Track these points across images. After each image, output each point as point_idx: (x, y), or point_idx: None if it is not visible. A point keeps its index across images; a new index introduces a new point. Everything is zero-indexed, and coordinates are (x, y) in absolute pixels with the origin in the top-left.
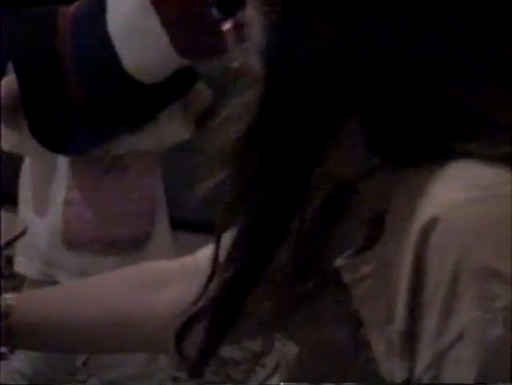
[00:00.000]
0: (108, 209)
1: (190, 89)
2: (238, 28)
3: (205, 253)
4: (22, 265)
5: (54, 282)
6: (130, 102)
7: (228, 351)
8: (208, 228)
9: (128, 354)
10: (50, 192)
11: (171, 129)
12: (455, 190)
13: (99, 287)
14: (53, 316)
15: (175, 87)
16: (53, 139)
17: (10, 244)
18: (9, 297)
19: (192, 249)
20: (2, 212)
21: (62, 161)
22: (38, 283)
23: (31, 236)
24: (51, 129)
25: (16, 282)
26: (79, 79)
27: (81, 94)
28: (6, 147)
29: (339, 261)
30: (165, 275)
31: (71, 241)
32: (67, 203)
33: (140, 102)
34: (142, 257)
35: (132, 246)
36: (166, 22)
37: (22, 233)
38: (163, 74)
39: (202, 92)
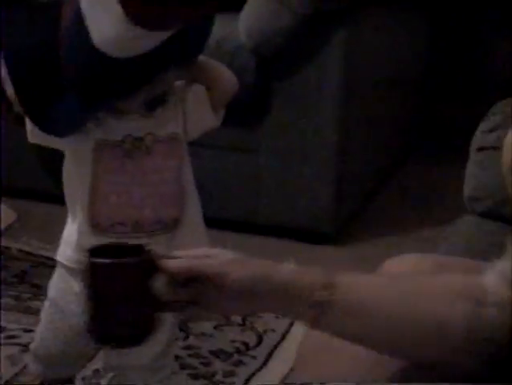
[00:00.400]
0: (132, 193)
1: (187, 63)
2: None
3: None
4: (61, 253)
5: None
6: (108, 77)
7: (218, 343)
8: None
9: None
10: (77, 180)
11: (196, 114)
12: None
13: (415, 288)
14: (369, 304)
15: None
16: (46, 119)
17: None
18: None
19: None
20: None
21: (86, 148)
22: (70, 271)
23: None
24: (45, 111)
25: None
26: (65, 57)
27: (67, 71)
28: (32, 139)
29: None
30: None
31: (98, 225)
32: (93, 188)
33: (119, 76)
34: (170, 242)
35: (158, 230)
36: None
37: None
38: (132, 49)
39: (230, 80)
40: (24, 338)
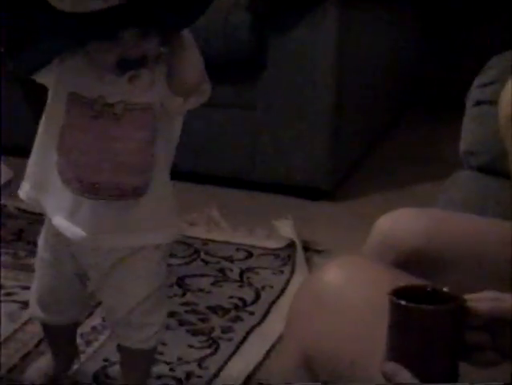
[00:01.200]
0: (93, 154)
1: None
2: None
3: None
4: (21, 188)
5: None
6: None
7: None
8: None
9: None
10: (50, 128)
11: (164, 92)
12: None
13: None
14: None
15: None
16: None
17: None
18: None
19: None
20: None
21: (61, 100)
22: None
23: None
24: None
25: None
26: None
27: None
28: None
29: None
30: None
31: (68, 183)
32: (60, 139)
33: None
34: (129, 210)
35: (114, 196)
36: None
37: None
38: (79, 4)
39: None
40: (22, 296)
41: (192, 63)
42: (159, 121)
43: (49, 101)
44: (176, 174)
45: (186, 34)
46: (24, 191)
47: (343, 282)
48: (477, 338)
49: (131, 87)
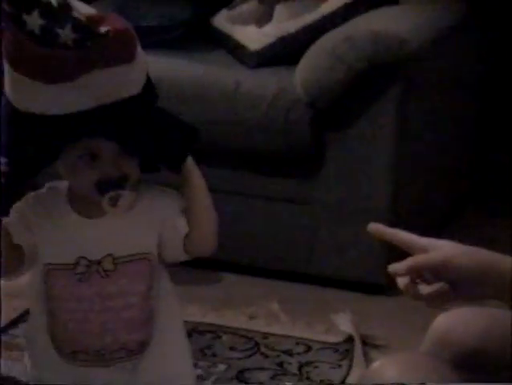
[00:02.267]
0: (92, 320)
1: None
2: None
3: None
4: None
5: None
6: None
7: None
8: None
9: None
10: (37, 304)
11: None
12: None
13: None
14: None
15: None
16: None
17: None
18: None
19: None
20: None
21: (38, 274)
22: None
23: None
24: None
25: None
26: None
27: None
28: None
29: None
30: None
31: (60, 351)
32: (51, 314)
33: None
34: (137, 367)
35: (122, 358)
36: None
37: None
38: (38, 104)
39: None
40: None
41: (209, 223)
42: (157, 269)
43: (30, 274)
44: (236, 267)
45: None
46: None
47: (401, 375)
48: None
49: (112, 210)
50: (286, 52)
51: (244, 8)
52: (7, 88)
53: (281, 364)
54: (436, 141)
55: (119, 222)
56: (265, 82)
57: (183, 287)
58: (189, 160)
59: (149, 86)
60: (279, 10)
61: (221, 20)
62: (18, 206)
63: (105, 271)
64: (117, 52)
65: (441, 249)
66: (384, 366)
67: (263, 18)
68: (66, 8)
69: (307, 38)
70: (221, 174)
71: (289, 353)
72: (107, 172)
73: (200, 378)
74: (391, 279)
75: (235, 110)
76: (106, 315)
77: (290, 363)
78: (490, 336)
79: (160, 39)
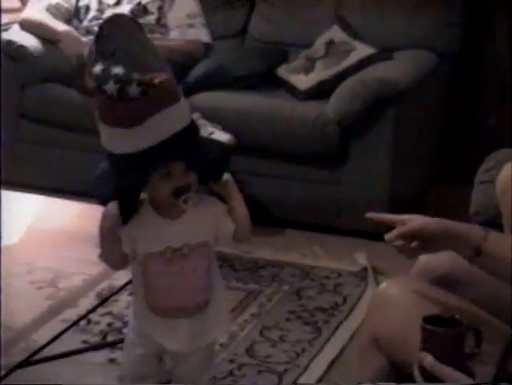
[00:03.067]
0: (176, 288)
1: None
2: None
3: None
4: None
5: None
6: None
7: (320, 303)
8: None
9: None
10: (137, 281)
11: (223, 231)
12: None
13: None
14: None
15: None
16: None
17: None
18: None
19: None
20: None
21: (137, 261)
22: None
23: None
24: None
25: None
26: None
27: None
28: None
29: None
30: None
31: (154, 310)
32: (145, 287)
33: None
34: (204, 317)
35: (196, 312)
36: None
37: None
38: (122, 146)
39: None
40: None
41: (242, 220)
42: (212, 252)
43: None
44: (291, 224)
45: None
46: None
47: (399, 291)
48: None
49: (185, 207)
50: (323, 90)
51: (297, 63)
52: (103, 139)
53: (322, 285)
54: (420, 145)
55: (189, 221)
56: (310, 109)
57: (260, 237)
58: (229, 177)
59: (192, 119)
60: (318, 64)
61: (282, 71)
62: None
63: (183, 255)
64: (169, 95)
65: (417, 220)
66: (388, 285)
67: (309, 69)
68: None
69: (336, 81)
70: (281, 167)
71: (327, 278)
72: (179, 183)
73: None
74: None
75: (291, 127)
76: (184, 284)
77: (328, 284)
78: (455, 266)
79: (245, 83)
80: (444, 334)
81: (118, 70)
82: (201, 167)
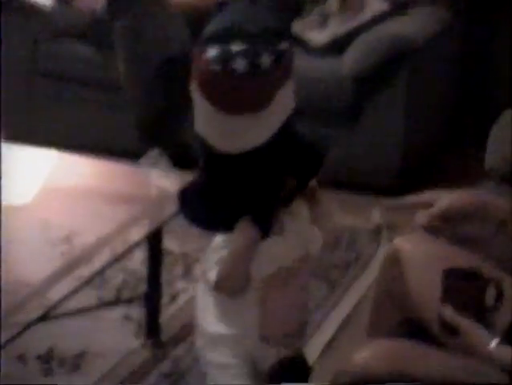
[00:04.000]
0: (290, 312)
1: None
2: None
3: None
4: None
5: None
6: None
7: (334, 259)
8: None
9: None
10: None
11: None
12: None
13: None
14: None
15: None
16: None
17: None
18: None
19: None
20: None
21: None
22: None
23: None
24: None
25: None
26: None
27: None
28: None
29: None
30: None
31: (266, 334)
32: (262, 315)
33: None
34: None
35: (302, 333)
36: None
37: None
38: (233, 141)
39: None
40: None
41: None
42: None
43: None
44: None
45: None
46: None
47: (413, 247)
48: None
49: (297, 244)
50: (337, 47)
51: (311, 19)
52: (212, 139)
53: (336, 242)
54: (432, 101)
55: (291, 233)
56: (324, 65)
57: None
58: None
59: None
60: (333, 20)
61: (297, 27)
62: None
63: (294, 272)
64: (292, 66)
65: (443, 199)
66: (402, 241)
67: (323, 25)
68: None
69: (351, 38)
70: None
71: (341, 235)
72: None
73: None
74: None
75: (305, 83)
76: (295, 305)
77: (342, 241)
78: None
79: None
80: (466, 288)
81: (238, 46)
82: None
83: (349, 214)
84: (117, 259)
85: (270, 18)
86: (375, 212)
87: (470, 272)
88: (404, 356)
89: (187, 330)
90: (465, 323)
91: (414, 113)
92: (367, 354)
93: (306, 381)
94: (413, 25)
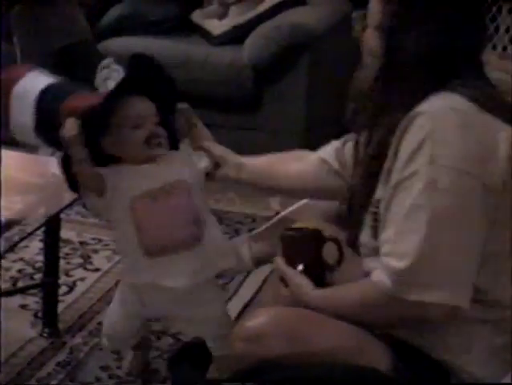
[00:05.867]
0: (166, 224)
1: None
2: None
3: None
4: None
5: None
6: None
7: None
8: None
9: None
10: (124, 226)
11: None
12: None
13: None
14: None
15: None
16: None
17: None
18: None
19: None
20: None
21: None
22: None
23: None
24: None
25: None
26: None
27: None
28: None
29: None
30: None
31: (151, 250)
32: (137, 228)
33: None
34: (201, 251)
35: (185, 246)
36: None
37: None
38: None
39: None
40: None
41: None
42: (193, 189)
43: (110, 210)
44: None
45: None
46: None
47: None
48: None
49: (168, 172)
50: (237, 36)
51: (210, 8)
52: None
53: (236, 231)
54: (332, 89)
55: (165, 162)
56: (224, 54)
57: None
58: (185, 104)
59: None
60: (232, 9)
61: (197, 16)
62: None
63: (165, 193)
64: None
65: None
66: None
67: (222, 15)
68: None
69: (250, 27)
70: (195, 114)
71: (241, 223)
72: (148, 130)
73: None
74: None
75: (205, 73)
76: (172, 220)
77: (242, 229)
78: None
79: (160, 28)
80: (298, 238)
81: None
82: (163, 98)
83: (249, 202)
84: (12, 248)
85: (170, 7)
86: (275, 200)
87: (308, 232)
88: (298, 323)
89: (84, 319)
90: (289, 272)
91: (315, 101)
92: (262, 320)
93: (207, 369)
94: (313, 14)
